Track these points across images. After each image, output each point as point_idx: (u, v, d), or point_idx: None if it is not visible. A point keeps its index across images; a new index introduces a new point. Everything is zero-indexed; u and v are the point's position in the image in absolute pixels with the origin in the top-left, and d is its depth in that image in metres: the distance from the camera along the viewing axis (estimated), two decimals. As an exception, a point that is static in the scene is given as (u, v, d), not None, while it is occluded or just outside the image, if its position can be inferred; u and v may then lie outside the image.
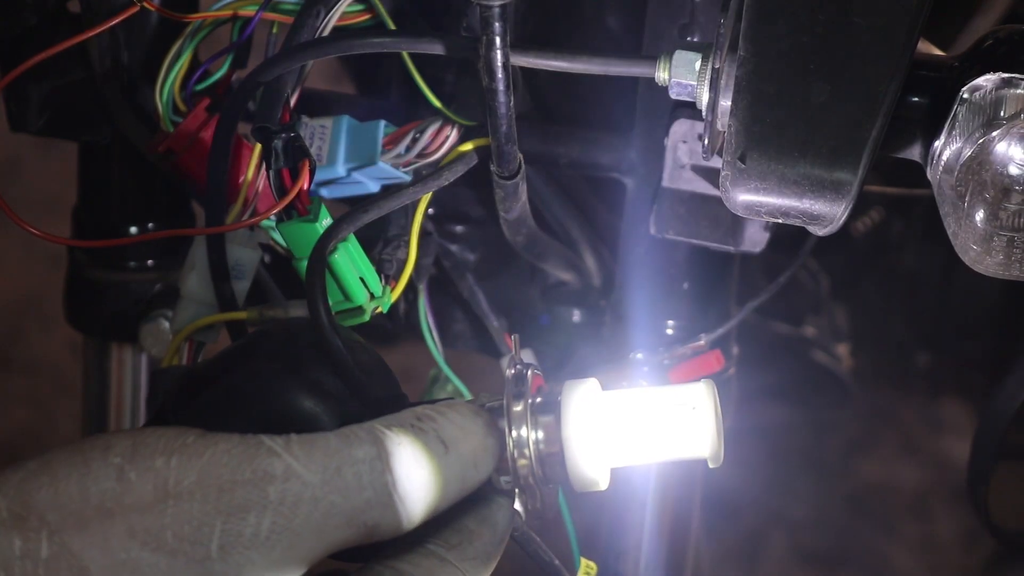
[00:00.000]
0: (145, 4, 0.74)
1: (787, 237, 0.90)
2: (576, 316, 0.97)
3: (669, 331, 0.89)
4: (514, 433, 0.62)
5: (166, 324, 0.95)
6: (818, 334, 1.46)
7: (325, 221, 0.71)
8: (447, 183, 0.75)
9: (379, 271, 0.74)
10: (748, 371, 0.97)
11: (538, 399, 0.64)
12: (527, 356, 0.91)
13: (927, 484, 1.96)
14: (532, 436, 0.62)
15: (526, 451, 0.62)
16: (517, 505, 0.63)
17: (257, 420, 0.59)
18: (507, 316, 0.94)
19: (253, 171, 0.74)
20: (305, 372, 0.61)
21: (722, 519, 1.85)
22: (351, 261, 0.72)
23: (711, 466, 0.64)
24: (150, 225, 0.96)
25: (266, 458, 0.54)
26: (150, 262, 0.97)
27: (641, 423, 0.64)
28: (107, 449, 0.55)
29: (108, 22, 0.73)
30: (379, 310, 0.73)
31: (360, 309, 0.72)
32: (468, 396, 0.90)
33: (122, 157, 0.93)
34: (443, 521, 0.59)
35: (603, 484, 0.64)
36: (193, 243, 0.77)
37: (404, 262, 0.79)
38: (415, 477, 0.56)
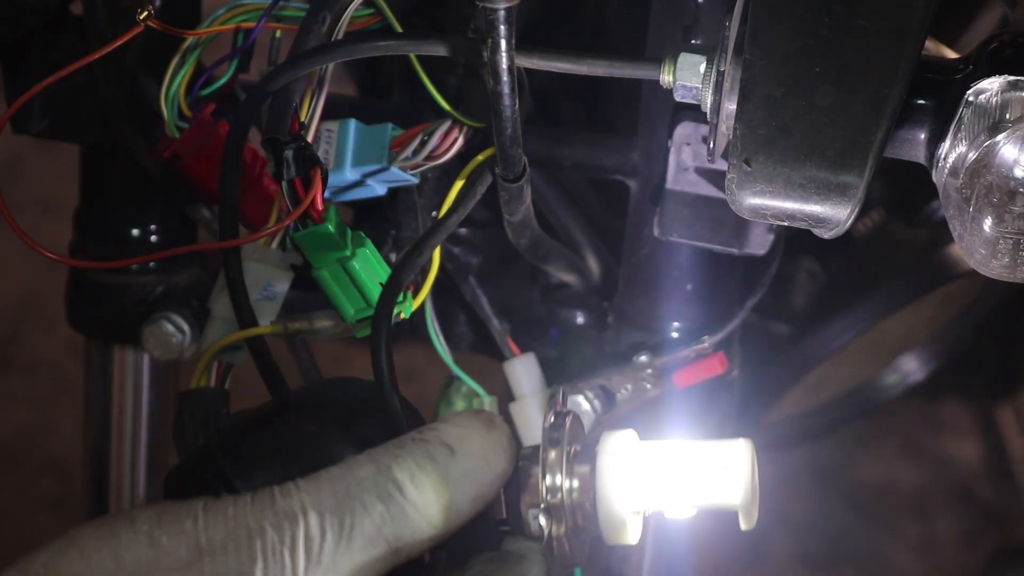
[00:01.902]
0: (149, 23, 0.74)
1: (787, 238, 0.90)
2: (579, 318, 0.97)
3: (673, 333, 0.89)
4: (548, 480, 0.63)
5: (168, 326, 0.95)
6: (819, 335, 1.45)
7: (342, 232, 0.71)
8: (478, 198, 0.75)
9: None
10: (749, 372, 0.97)
11: (576, 447, 0.64)
12: (529, 359, 0.91)
13: (927, 484, 1.96)
14: (566, 484, 0.63)
15: (559, 498, 0.63)
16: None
17: (303, 470, 0.60)
18: (509, 319, 0.94)
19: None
20: (354, 428, 0.62)
21: (723, 519, 1.85)
22: (371, 267, 0.72)
23: (743, 528, 0.64)
24: (152, 227, 0.96)
25: (283, 500, 0.57)
26: (152, 264, 0.97)
27: (676, 479, 0.64)
28: (133, 520, 0.56)
29: (112, 44, 0.73)
30: (401, 316, 0.74)
31: (392, 330, 0.72)
32: (484, 395, 0.90)
33: (124, 159, 0.93)
34: None
35: (633, 538, 0.64)
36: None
37: (422, 267, 0.79)
38: (422, 481, 0.58)
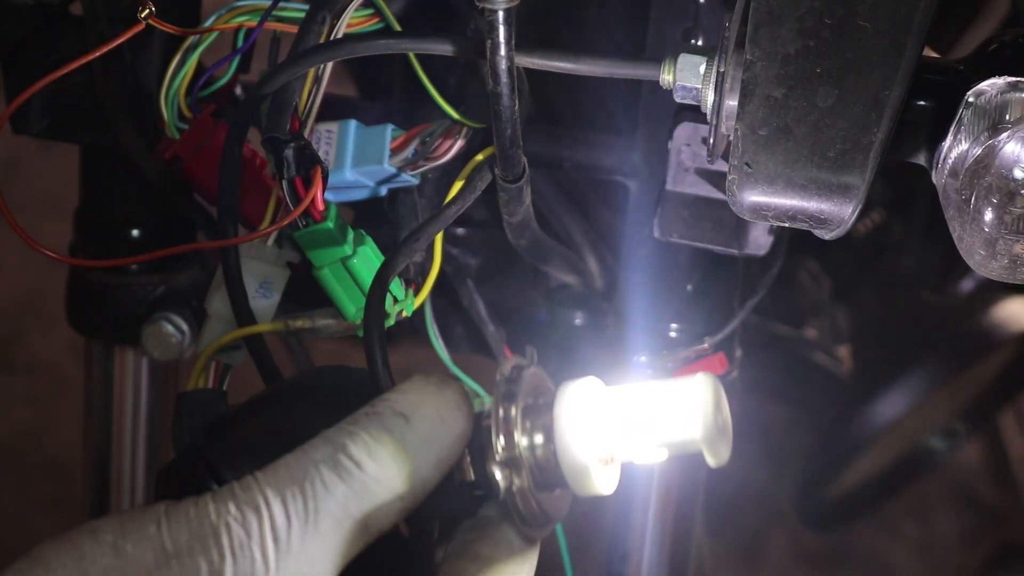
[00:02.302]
0: (151, 21, 0.74)
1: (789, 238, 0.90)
2: (579, 319, 0.97)
3: (672, 334, 0.89)
4: (502, 438, 0.61)
5: (168, 326, 0.94)
6: (819, 336, 1.46)
7: (343, 230, 0.71)
8: (479, 193, 0.75)
9: (400, 275, 0.74)
10: (750, 373, 0.97)
11: (535, 400, 0.63)
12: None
13: (927, 484, 1.96)
14: (524, 441, 0.62)
15: (517, 452, 0.61)
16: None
17: None
18: (507, 321, 0.94)
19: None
20: (338, 413, 0.61)
21: (723, 519, 1.85)
22: (372, 265, 0.72)
23: (712, 464, 0.62)
24: (152, 227, 0.96)
25: (243, 494, 0.56)
26: (152, 264, 0.97)
27: (636, 420, 0.62)
28: (95, 531, 0.56)
29: (113, 42, 0.73)
30: (403, 314, 0.73)
31: (384, 313, 0.72)
32: (484, 395, 0.90)
33: (124, 159, 0.93)
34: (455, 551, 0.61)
35: (604, 488, 0.62)
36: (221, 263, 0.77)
37: (422, 266, 0.79)
38: (379, 453, 0.58)
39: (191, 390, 0.72)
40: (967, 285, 1.20)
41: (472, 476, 0.62)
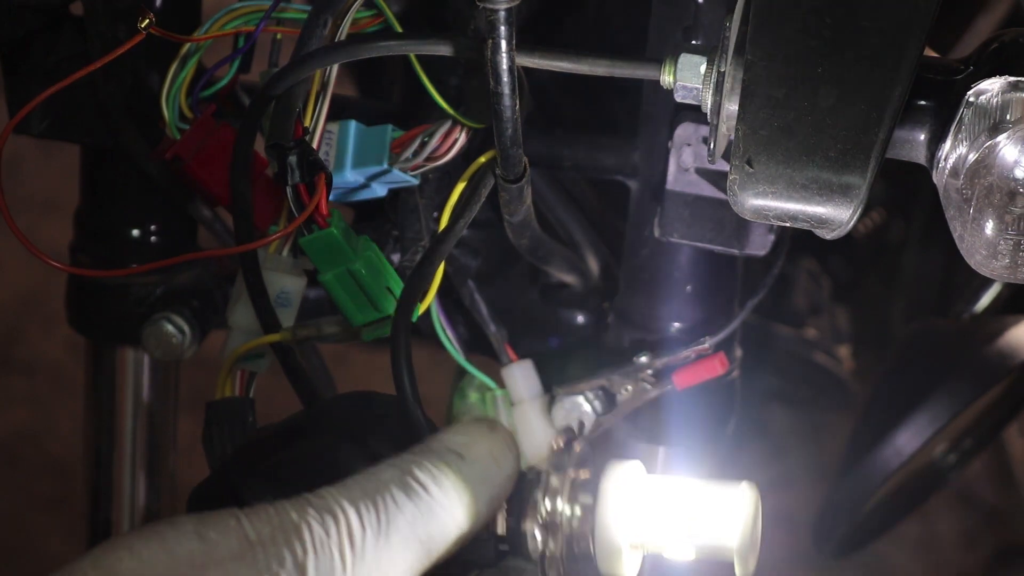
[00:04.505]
0: (151, 31, 0.74)
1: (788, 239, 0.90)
2: (579, 319, 0.97)
3: (672, 334, 0.89)
4: (548, 504, 0.64)
5: (169, 326, 0.95)
6: (819, 336, 1.46)
7: (347, 237, 0.71)
8: (483, 200, 0.75)
9: (403, 279, 0.74)
10: (749, 373, 0.97)
11: (580, 475, 0.65)
12: (526, 365, 0.91)
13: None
14: (567, 511, 0.64)
15: (558, 520, 0.64)
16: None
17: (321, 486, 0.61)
18: (508, 321, 0.94)
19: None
20: (368, 445, 0.63)
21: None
22: (376, 271, 0.72)
23: (739, 574, 0.64)
24: (153, 228, 0.96)
25: (319, 500, 0.58)
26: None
27: (676, 514, 0.65)
28: (173, 523, 0.56)
29: (113, 53, 0.74)
30: None
31: (389, 319, 0.72)
32: (496, 388, 0.90)
33: (125, 159, 0.93)
34: None
35: (628, 570, 0.65)
36: (239, 274, 0.77)
37: None
38: (443, 482, 0.60)
39: (219, 399, 0.73)
40: (971, 308, 1.19)
41: (503, 530, 0.64)
